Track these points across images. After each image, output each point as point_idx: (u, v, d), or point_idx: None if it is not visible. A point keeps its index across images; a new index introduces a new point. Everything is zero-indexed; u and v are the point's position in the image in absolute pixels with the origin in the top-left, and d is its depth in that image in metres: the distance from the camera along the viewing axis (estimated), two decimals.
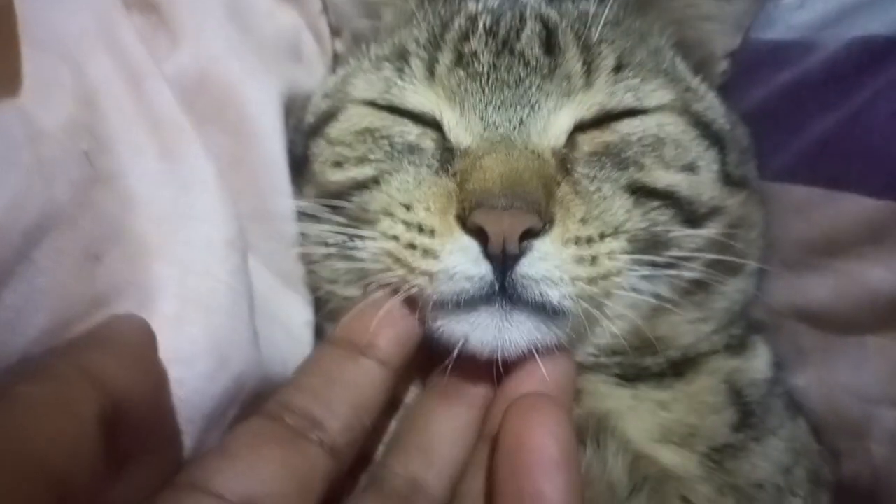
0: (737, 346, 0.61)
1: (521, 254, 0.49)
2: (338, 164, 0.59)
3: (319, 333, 0.63)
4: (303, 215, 0.60)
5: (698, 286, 0.58)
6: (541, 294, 0.49)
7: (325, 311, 0.62)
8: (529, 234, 0.49)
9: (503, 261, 0.49)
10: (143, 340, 0.44)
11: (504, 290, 0.50)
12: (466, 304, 0.50)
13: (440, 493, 0.48)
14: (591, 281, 0.50)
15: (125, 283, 0.47)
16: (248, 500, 0.41)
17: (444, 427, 0.50)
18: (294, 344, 0.60)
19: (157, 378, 0.44)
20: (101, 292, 0.45)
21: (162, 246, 0.49)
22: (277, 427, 0.45)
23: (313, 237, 0.59)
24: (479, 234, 0.49)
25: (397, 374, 0.51)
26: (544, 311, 0.50)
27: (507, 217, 0.48)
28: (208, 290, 0.49)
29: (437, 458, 0.49)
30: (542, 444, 0.43)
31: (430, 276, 0.50)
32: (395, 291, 0.52)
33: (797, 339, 0.63)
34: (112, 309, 0.46)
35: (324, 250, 0.59)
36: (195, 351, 0.48)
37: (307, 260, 0.61)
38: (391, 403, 0.53)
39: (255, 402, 0.53)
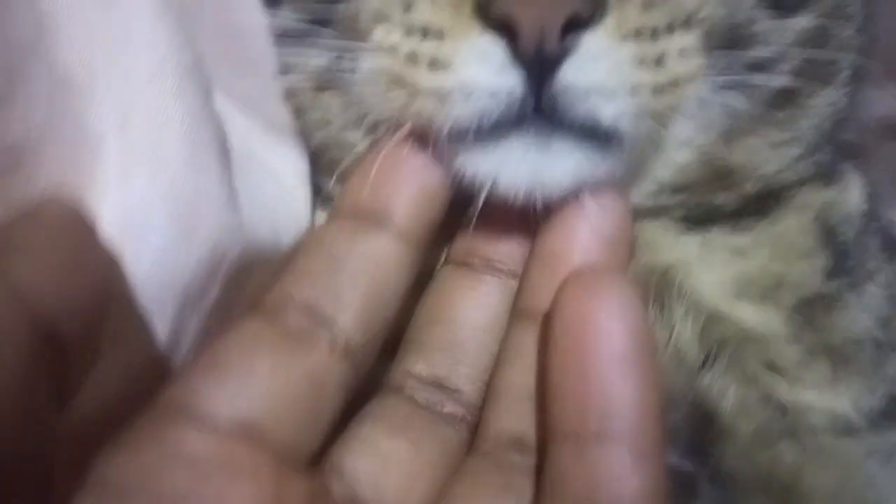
0: (826, 176, 0.50)
1: (563, 53, 0.36)
2: None
3: (318, 192, 0.53)
4: (283, 38, 0.48)
5: (784, 98, 0.46)
6: (590, 110, 0.37)
7: (322, 164, 0.51)
8: (575, 25, 0.36)
9: (539, 65, 0.36)
10: (75, 227, 0.35)
11: (541, 109, 0.38)
12: (492, 131, 0.38)
13: (474, 394, 0.40)
14: (657, 90, 0.38)
15: (51, 132, 0.36)
16: (246, 424, 0.33)
17: (471, 310, 0.41)
18: (285, 202, 0.50)
19: (102, 270, 0.36)
20: (17, 142, 0.35)
21: (93, 81, 0.38)
22: (276, 328, 0.36)
23: (296, 65, 0.47)
24: (506, 30, 0.36)
25: (422, 247, 0.40)
26: (594, 134, 0.38)
27: (542, 1, 0.35)
28: (159, 138, 0.39)
29: (464, 352, 0.40)
30: (611, 335, 0.33)
31: (439, 95, 0.38)
32: (398, 125, 0.40)
33: None
34: (36, 166, 0.36)
35: (310, 82, 0.47)
36: (149, 216, 0.38)
37: (293, 100, 0.50)
38: (419, 284, 0.43)
39: (240, 280, 0.44)
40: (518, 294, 0.41)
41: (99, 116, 0.38)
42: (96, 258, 0.36)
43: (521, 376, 0.38)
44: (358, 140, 0.47)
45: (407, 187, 0.40)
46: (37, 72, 0.37)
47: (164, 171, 0.39)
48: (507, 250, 0.42)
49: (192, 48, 0.41)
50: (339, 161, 0.49)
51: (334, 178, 0.49)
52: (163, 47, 0.39)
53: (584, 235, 0.39)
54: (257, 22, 0.47)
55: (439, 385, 0.40)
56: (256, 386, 0.34)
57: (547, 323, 0.36)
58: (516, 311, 0.40)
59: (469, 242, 0.43)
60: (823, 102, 0.48)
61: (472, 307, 0.42)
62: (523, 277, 0.41)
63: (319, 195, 0.53)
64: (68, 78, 0.37)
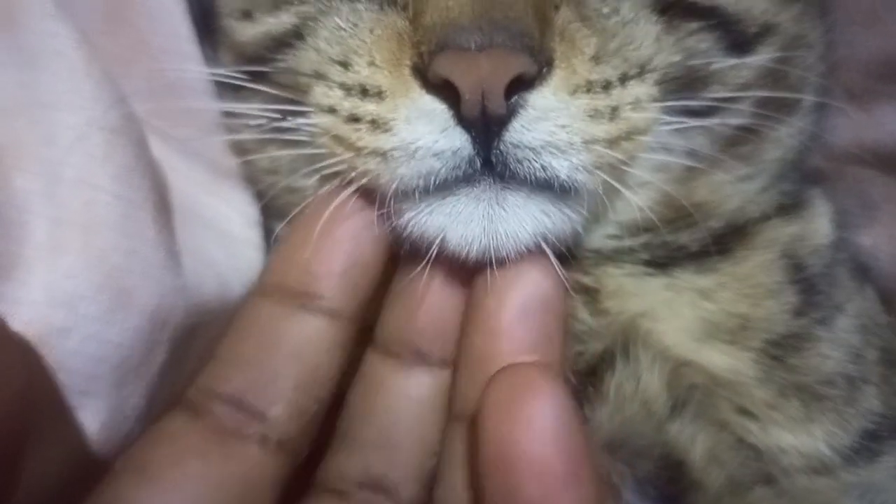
0: (792, 206, 0.48)
1: (509, 114, 0.35)
2: (247, 15, 0.44)
3: (268, 235, 0.51)
4: (224, 90, 0.46)
5: (745, 134, 0.45)
6: (543, 168, 0.36)
7: (270, 207, 0.49)
8: (520, 84, 0.35)
9: (485, 125, 0.35)
10: None
11: (491, 165, 0.36)
12: (440, 187, 0.37)
13: (411, 492, 0.37)
14: (612, 143, 0.37)
15: None
16: None
17: (403, 403, 0.38)
18: (233, 251, 0.48)
19: (17, 374, 0.32)
20: None
21: (18, 149, 0.36)
22: (204, 426, 0.34)
23: (240, 117, 0.45)
24: (447, 91, 0.35)
25: (356, 321, 0.38)
26: (549, 188, 0.37)
27: (484, 61, 0.34)
28: (87, 203, 0.36)
29: (398, 449, 0.38)
30: (541, 455, 0.31)
31: (382, 156, 0.37)
32: (347, 184, 0.39)
33: (863, 189, 0.52)
34: None
35: (254, 135, 0.45)
36: (77, 286, 0.36)
37: (239, 148, 0.48)
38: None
39: (188, 340, 0.42)
40: (451, 391, 0.38)
41: (24, 184, 0.35)
42: (9, 361, 0.33)
43: (457, 482, 0.35)
44: (308, 186, 0.46)
45: (337, 262, 0.37)
46: None
47: (94, 238, 0.36)
48: (436, 336, 0.39)
49: (123, 104, 0.39)
50: (289, 206, 0.47)
51: (285, 222, 0.47)
52: (88, 108, 0.37)
53: (510, 326, 0.36)
54: (195, 74, 0.45)
55: (376, 485, 0.37)
56: (186, 491, 0.32)
57: (474, 432, 0.33)
58: (452, 412, 0.38)
59: (397, 326, 0.40)
60: (787, 133, 0.47)
61: (403, 401, 0.39)
62: (455, 373, 0.38)
63: (271, 238, 0.51)
64: None
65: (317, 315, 0.37)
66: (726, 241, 0.45)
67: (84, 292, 0.36)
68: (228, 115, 0.46)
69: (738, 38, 0.42)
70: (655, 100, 0.39)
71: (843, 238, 0.50)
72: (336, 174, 0.40)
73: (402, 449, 0.38)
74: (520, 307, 0.36)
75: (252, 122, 0.43)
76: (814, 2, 0.49)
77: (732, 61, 0.42)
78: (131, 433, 0.39)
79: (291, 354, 0.36)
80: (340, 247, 0.37)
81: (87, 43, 0.38)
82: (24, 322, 0.33)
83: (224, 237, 0.48)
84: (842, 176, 0.52)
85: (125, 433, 0.38)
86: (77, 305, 0.35)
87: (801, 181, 0.50)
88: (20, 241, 0.35)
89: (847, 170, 0.52)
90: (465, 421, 0.35)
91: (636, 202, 0.42)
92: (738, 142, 0.45)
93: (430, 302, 0.38)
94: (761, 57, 0.43)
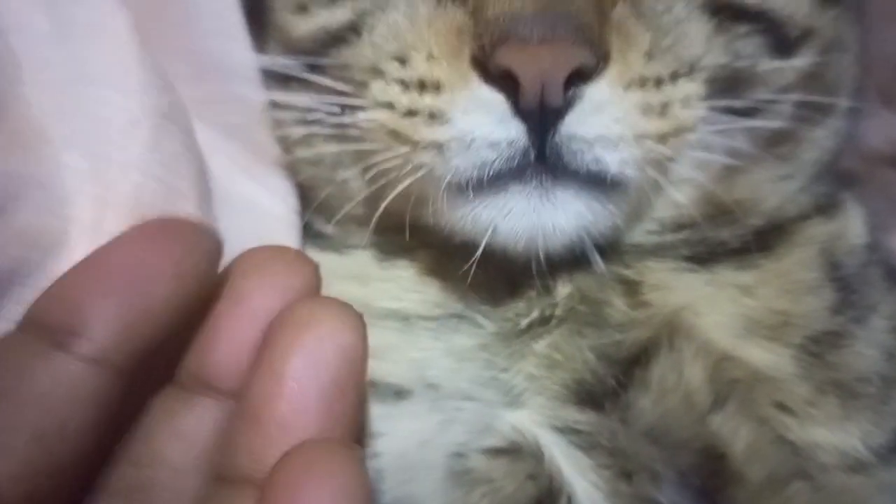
0: (828, 207, 0.49)
1: (566, 105, 0.36)
2: (302, 8, 0.44)
3: (307, 229, 0.51)
4: (271, 83, 0.46)
5: (783, 135, 0.45)
6: (596, 160, 0.37)
7: (311, 201, 0.49)
8: (578, 77, 0.35)
9: (542, 116, 0.36)
10: None
11: (544, 159, 0.37)
12: (492, 182, 0.38)
13: None
14: (662, 138, 0.38)
15: (22, 182, 0.34)
16: None
17: (175, 445, 0.33)
18: (271, 240, 0.47)
19: None
20: None
21: (66, 125, 0.36)
22: None
23: (287, 109, 0.45)
24: (506, 82, 0.36)
25: (127, 373, 0.31)
26: (598, 183, 0.38)
27: (545, 52, 0.34)
28: (133, 188, 0.36)
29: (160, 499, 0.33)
30: None
31: (438, 147, 0.37)
32: (399, 178, 0.39)
33: (894, 192, 0.52)
34: (6, 220, 0.34)
35: (303, 129, 0.45)
36: None
37: (284, 142, 0.48)
38: None
39: None
40: (226, 451, 0.33)
41: (73, 162, 0.36)
42: None
43: None
44: (351, 178, 0.46)
45: (113, 304, 0.30)
46: (14, 115, 0.34)
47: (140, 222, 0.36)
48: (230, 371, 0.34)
49: (171, 90, 0.39)
50: (329, 199, 0.47)
51: (332, 222, 0.48)
52: (139, 91, 0.37)
53: (294, 387, 0.31)
54: (245, 60, 0.45)
55: None
56: None
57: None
58: (225, 473, 0.32)
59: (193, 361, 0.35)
60: (823, 135, 0.48)
61: (176, 442, 0.33)
62: (232, 433, 0.33)
63: (309, 232, 0.51)
64: (41, 125, 0.35)
65: (73, 357, 0.30)
66: (766, 238, 0.46)
67: None
68: (275, 108, 0.46)
69: (782, 42, 0.43)
70: (703, 98, 0.40)
71: (876, 242, 0.50)
72: (386, 171, 0.41)
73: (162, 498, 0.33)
74: (308, 365, 0.32)
75: (303, 116, 0.43)
76: (849, 5, 0.49)
77: (776, 64, 0.42)
78: None
79: (32, 402, 0.29)
80: (119, 288, 0.31)
81: (140, 24, 0.38)
82: None
83: (261, 224, 0.47)
84: (872, 178, 0.52)
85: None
86: None
87: (834, 183, 0.50)
88: (66, 219, 0.35)
89: (878, 172, 0.52)
90: (240, 486, 0.31)
91: (677, 198, 0.42)
92: (778, 142, 0.45)
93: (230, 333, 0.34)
94: (803, 60, 0.44)
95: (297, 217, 0.50)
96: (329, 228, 0.49)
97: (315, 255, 0.49)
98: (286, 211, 0.49)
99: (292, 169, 0.49)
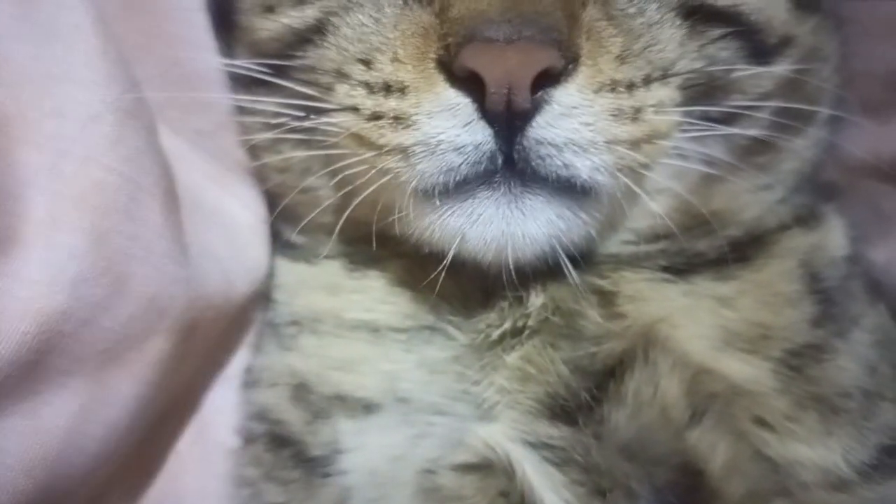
0: (808, 218, 0.48)
1: (534, 109, 0.35)
2: (268, 9, 0.43)
3: (276, 237, 0.50)
4: (238, 88, 0.45)
5: (762, 144, 0.44)
6: (565, 166, 0.36)
7: (280, 209, 0.48)
8: (546, 79, 0.35)
9: (509, 120, 0.35)
10: None
11: (512, 165, 0.36)
12: (460, 188, 0.37)
13: None
14: (635, 144, 0.37)
15: None
16: None
17: None
18: (241, 252, 0.47)
19: None
20: None
21: (25, 121, 0.34)
22: None
23: (253, 114, 0.44)
24: (472, 84, 0.35)
25: None
26: (570, 189, 0.37)
27: (512, 53, 0.34)
28: (93, 183, 0.35)
29: None
30: None
31: (403, 152, 0.37)
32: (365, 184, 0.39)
33: (877, 204, 0.52)
34: None
35: (269, 134, 0.44)
36: (82, 270, 0.35)
37: (251, 148, 0.47)
38: None
39: (189, 335, 0.40)
40: None
41: (28, 158, 0.34)
42: None
43: None
44: (319, 186, 0.45)
45: None
46: None
47: (101, 219, 0.35)
48: None
49: (136, 86, 0.38)
50: (297, 207, 0.46)
51: (301, 230, 0.47)
52: (103, 87, 0.36)
53: None
54: (210, 65, 0.44)
55: None
56: None
57: None
58: None
59: None
60: (803, 145, 0.47)
61: None
62: None
63: (279, 242, 0.50)
64: (1, 119, 0.34)
65: None
66: (745, 249, 0.45)
67: (87, 275, 0.35)
68: (242, 113, 0.45)
69: (759, 48, 0.43)
70: (677, 104, 0.39)
71: (856, 255, 0.50)
72: (352, 176, 0.40)
73: None
74: None
75: (268, 121, 0.42)
76: (828, 15, 0.49)
77: (753, 70, 0.42)
78: (117, 422, 0.38)
79: None
80: None
81: (106, 23, 0.37)
82: (21, 299, 0.32)
83: (231, 233, 0.46)
84: (855, 190, 0.51)
85: (108, 420, 0.37)
86: (79, 288, 0.34)
87: (815, 195, 0.50)
88: (20, 216, 0.34)
89: (861, 183, 0.51)
90: None
91: (653, 208, 0.42)
92: (756, 151, 0.45)
93: None
94: (781, 67, 0.43)
95: (266, 227, 0.49)
96: (299, 238, 0.48)
97: (285, 265, 0.49)
98: (255, 220, 0.49)
99: (260, 176, 0.48)
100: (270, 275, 0.49)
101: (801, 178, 0.48)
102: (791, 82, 0.44)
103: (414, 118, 0.36)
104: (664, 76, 0.39)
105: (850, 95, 0.50)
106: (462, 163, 0.36)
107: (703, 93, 0.41)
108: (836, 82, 0.49)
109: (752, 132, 0.43)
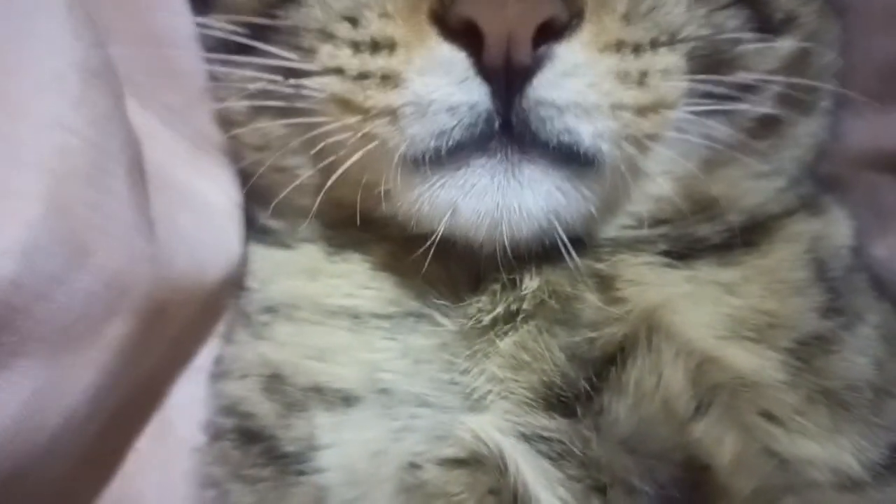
0: (812, 206, 0.46)
1: (535, 65, 0.33)
2: None
3: (251, 221, 0.47)
4: (214, 51, 0.42)
5: (765, 127, 0.43)
6: (567, 130, 0.33)
7: (255, 191, 0.45)
8: (548, 34, 0.32)
9: (508, 77, 0.33)
10: None
11: (510, 129, 0.34)
12: (452, 154, 0.34)
13: None
14: (641, 111, 0.35)
15: None
16: None
17: None
18: (211, 234, 0.44)
19: None
20: None
21: None
22: None
23: (229, 80, 0.41)
24: (468, 38, 0.32)
25: None
26: (571, 158, 0.35)
27: (512, 4, 0.31)
28: (55, 148, 0.32)
29: None
30: None
31: (391, 114, 0.34)
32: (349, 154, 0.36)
33: (878, 197, 0.50)
34: None
35: (246, 103, 0.41)
36: (39, 239, 0.31)
37: (226, 120, 0.44)
38: None
39: (156, 317, 0.37)
40: None
41: None
42: None
43: None
44: (298, 164, 0.42)
45: None
46: None
47: (61, 186, 0.32)
48: None
49: (103, 48, 0.36)
50: (275, 187, 0.43)
51: (278, 212, 0.44)
52: (68, 47, 0.33)
53: None
54: (183, 29, 0.41)
55: None
56: None
57: None
58: None
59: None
60: (804, 132, 0.46)
61: None
62: None
63: (253, 227, 0.47)
64: None
65: None
66: (749, 234, 0.43)
67: (42, 243, 0.31)
68: (216, 80, 0.43)
69: (766, 23, 0.41)
70: (683, 73, 0.37)
71: (860, 248, 0.48)
72: (334, 146, 0.37)
73: None
74: None
75: (245, 86, 0.40)
76: (830, 3, 0.48)
77: (759, 44, 0.40)
78: (76, 409, 0.34)
79: None
80: None
81: None
82: None
83: (202, 216, 0.43)
84: (856, 183, 0.50)
85: (64, 410, 0.34)
86: (32, 258, 0.31)
87: (816, 187, 0.48)
88: None
89: (861, 176, 0.50)
90: None
91: (656, 190, 0.40)
92: (758, 135, 0.43)
93: None
94: (787, 43, 0.42)
95: (240, 211, 0.46)
96: (275, 222, 0.45)
97: (260, 250, 0.46)
98: (229, 204, 0.46)
99: (235, 155, 0.45)
100: (244, 262, 0.46)
101: (803, 167, 0.46)
102: (796, 62, 0.43)
103: (404, 76, 0.34)
104: (671, 41, 0.37)
105: (852, 87, 0.49)
106: (456, 125, 0.33)
107: (708, 65, 0.39)
108: (837, 70, 0.48)
109: (758, 109, 0.41)
